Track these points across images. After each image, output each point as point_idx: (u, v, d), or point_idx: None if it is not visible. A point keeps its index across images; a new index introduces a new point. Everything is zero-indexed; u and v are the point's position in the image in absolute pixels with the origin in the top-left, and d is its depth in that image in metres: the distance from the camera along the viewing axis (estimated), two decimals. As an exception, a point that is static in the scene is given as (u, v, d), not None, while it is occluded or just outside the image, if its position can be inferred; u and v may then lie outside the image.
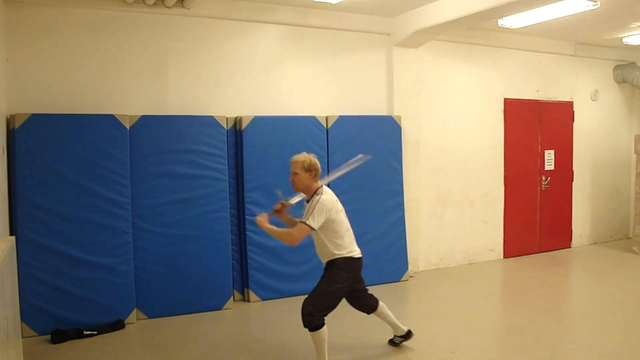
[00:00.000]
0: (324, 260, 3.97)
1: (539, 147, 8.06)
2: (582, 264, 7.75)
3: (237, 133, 5.77)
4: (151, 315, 5.21)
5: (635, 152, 7.96)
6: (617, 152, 8.93)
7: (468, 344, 4.50)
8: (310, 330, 3.80)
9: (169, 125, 5.35)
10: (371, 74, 6.71)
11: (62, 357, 4.34)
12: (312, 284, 3.98)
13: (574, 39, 8.00)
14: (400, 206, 6.52)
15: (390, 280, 6.42)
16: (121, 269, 5.02)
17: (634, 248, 7.95)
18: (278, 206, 4.00)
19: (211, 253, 5.43)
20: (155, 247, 5.22)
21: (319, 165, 3.93)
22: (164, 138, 5.29)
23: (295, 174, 3.88)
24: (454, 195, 7.31)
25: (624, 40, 7.81)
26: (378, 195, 6.36)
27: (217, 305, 5.46)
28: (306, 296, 3.89)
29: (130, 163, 5.10)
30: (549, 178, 8.13)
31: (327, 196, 3.85)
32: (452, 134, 7.26)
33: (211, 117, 5.52)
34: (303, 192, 3.95)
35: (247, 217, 5.62)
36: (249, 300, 5.73)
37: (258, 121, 5.73)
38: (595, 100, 8.63)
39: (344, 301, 4.07)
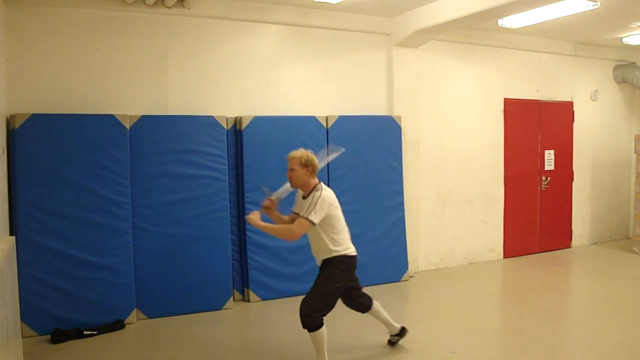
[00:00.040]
0: (321, 258, 3.94)
1: (539, 147, 8.06)
2: (582, 264, 7.75)
3: (237, 133, 5.77)
4: (151, 315, 5.22)
5: (635, 152, 7.96)
6: (617, 152, 8.93)
7: (468, 344, 4.50)
8: (310, 330, 3.79)
9: (169, 125, 5.35)
10: (371, 74, 6.71)
11: (62, 357, 4.34)
12: (312, 284, 3.98)
13: (574, 39, 8.00)
14: (400, 206, 6.52)
15: (390, 280, 6.42)
16: (121, 269, 5.02)
17: (634, 248, 7.95)
18: (267, 202, 3.97)
19: (211, 253, 5.43)
20: (155, 247, 5.22)
21: (316, 161, 3.91)
22: (164, 138, 5.30)
23: (292, 170, 3.87)
24: (454, 195, 7.31)
25: (624, 40, 7.81)
26: (378, 195, 6.36)
27: (217, 305, 5.46)
28: (303, 297, 3.87)
29: (130, 163, 5.10)
30: (549, 178, 8.13)
31: (327, 192, 3.87)
32: (452, 134, 7.26)
33: (211, 117, 5.52)
34: (300, 189, 3.94)
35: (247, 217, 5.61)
36: (249, 300, 5.73)
37: (258, 121, 5.73)
38: (595, 100, 8.63)
39: (340, 301, 4.06)
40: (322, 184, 3.93)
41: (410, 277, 6.64)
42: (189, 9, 5.58)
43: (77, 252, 4.86)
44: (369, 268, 6.26)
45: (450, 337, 4.66)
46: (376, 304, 4.27)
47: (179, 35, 5.65)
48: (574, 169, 8.45)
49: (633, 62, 8.75)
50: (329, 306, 3.88)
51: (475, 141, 7.45)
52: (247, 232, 5.67)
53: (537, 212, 8.06)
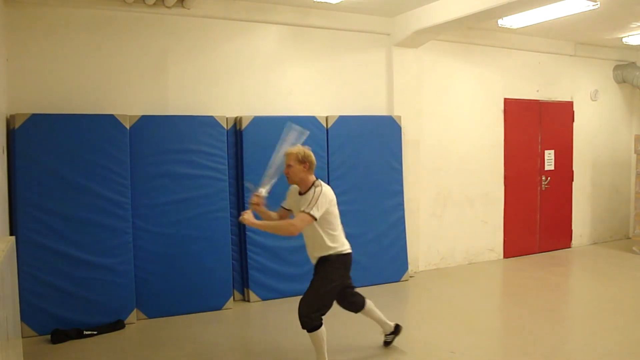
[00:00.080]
0: (317, 255, 3.90)
1: (539, 147, 8.06)
2: (582, 264, 7.75)
3: (237, 133, 5.77)
4: (151, 315, 5.22)
5: (635, 152, 7.96)
6: (617, 152, 8.93)
7: (468, 344, 4.50)
8: (309, 331, 3.79)
9: (169, 125, 5.35)
10: (371, 74, 6.71)
11: (62, 357, 4.34)
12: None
13: (574, 39, 8.00)
14: (400, 206, 6.52)
15: (390, 280, 6.42)
16: (121, 269, 5.02)
17: (634, 248, 7.94)
18: (254, 199, 3.91)
19: (211, 253, 5.43)
20: (156, 247, 5.22)
21: (313, 157, 3.89)
22: (164, 138, 5.29)
23: (289, 166, 3.85)
24: (454, 195, 7.31)
25: (624, 40, 7.81)
26: (378, 195, 6.36)
27: (217, 305, 5.46)
28: (301, 297, 3.85)
29: (130, 163, 5.10)
30: (549, 178, 8.13)
31: (327, 189, 3.86)
32: (452, 134, 7.26)
33: (211, 117, 5.52)
34: (298, 185, 3.91)
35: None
36: (249, 300, 5.73)
37: (258, 121, 5.73)
38: (595, 100, 8.63)
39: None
40: (320, 180, 3.91)
41: (410, 277, 6.64)
42: (189, 9, 5.58)
43: (77, 252, 4.86)
44: (369, 268, 6.27)
45: (450, 337, 4.66)
46: (369, 303, 4.23)
47: (179, 35, 5.65)
48: (574, 169, 8.45)
49: (633, 62, 8.75)
50: (327, 305, 3.88)
51: (475, 141, 7.45)
52: (247, 232, 5.67)
53: (537, 212, 8.06)
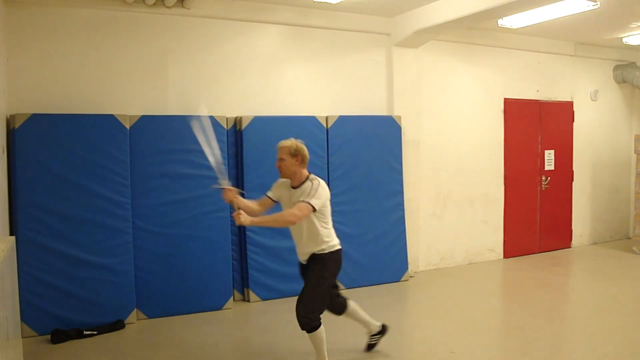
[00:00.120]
0: (310, 251, 3.82)
1: (539, 147, 8.06)
2: (582, 264, 7.75)
3: (237, 133, 5.77)
4: (151, 315, 5.22)
5: (635, 152, 7.96)
6: (617, 152, 8.93)
7: (468, 344, 4.50)
8: (308, 331, 3.77)
9: (169, 125, 5.35)
10: (371, 74, 6.71)
11: (62, 357, 4.34)
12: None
13: (574, 39, 8.00)
14: (400, 206, 6.52)
15: (390, 280, 6.42)
16: (121, 269, 5.02)
17: (634, 248, 7.94)
18: (228, 194, 3.80)
19: (211, 253, 5.43)
20: (156, 247, 5.22)
21: (306, 151, 3.85)
22: (164, 138, 5.29)
23: (281, 159, 3.81)
24: (454, 195, 7.31)
25: (624, 40, 7.81)
26: (378, 195, 6.36)
27: (217, 305, 5.47)
28: (297, 298, 3.80)
29: (130, 163, 5.10)
30: (549, 178, 8.13)
31: (324, 182, 3.82)
32: (452, 134, 7.26)
33: (211, 117, 5.51)
34: (290, 179, 3.85)
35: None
36: (249, 300, 5.73)
37: (258, 121, 5.73)
38: (595, 100, 8.63)
39: None
40: (314, 175, 3.87)
41: (410, 277, 6.64)
42: (189, 9, 5.58)
43: (77, 252, 4.86)
44: (369, 268, 6.28)
45: (450, 337, 4.66)
46: (352, 304, 4.15)
47: (179, 35, 5.65)
48: (574, 169, 8.45)
49: (633, 62, 8.75)
50: (324, 304, 3.87)
51: (475, 141, 7.45)
52: (247, 232, 5.67)
53: (537, 212, 8.06)
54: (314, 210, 3.68)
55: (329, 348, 3.88)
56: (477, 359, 4.22)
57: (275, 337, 4.72)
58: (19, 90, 4.97)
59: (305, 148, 3.86)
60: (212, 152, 3.90)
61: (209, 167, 5.32)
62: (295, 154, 3.80)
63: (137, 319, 5.13)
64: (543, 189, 8.10)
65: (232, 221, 5.59)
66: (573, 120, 8.40)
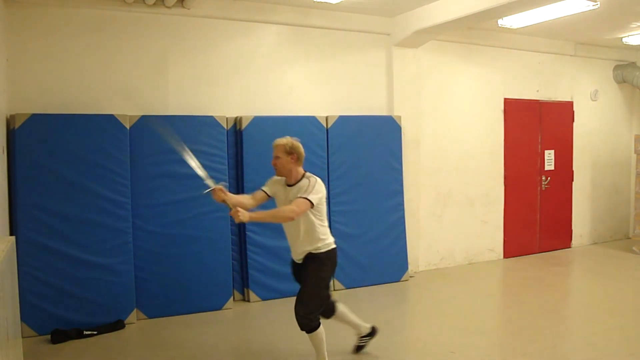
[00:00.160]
0: (306, 249, 3.79)
1: (539, 147, 8.06)
2: (582, 264, 7.75)
3: (237, 133, 5.77)
4: (151, 315, 5.22)
5: (635, 152, 7.96)
6: (617, 152, 8.93)
7: (468, 344, 4.50)
8: (308, 332, 3.76)
9: (169, 125, 5.32)
10: (371, 74, 6.71)
11: (62, 357, 4.34)
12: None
13: (574, 39, 8.00)
14: (400, 206, 6.52)
15: (390, 280, 6.42)
16: (121, 269, 5.02)
17: (634, 248, 7.94)
18: (219, 194, 3.72)
19: (211, 253, 5.43)
20: (155, 247, 5.22)
21: (301, 149, 3.83)
22: (164, 138, 5.28)
23: (277, 157, 3.79)
24: (454, 195, 7.31)
25: (624, 40, 7.81)
26: (378, 195, 6.36)
27: (217, 305, 5.46)
28: (296, 299, 3.79)
29: (130, 163, 5.09)
30: (549, 178, 8.13)
31: (321, 180, 3.81)
32: (452, 134, 7.26)
33: (211, 117, 5.52)
34: (286, 177, 3.83)
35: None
36: (249, 300, 5.73)
37: (258, 121, 5.73)
38: (595, 100, 8.63)
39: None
40: (310, 173, 3.85)
41: (410, 277, 6.64)
42: (189, 9, 5.58)
43: (77, 252, 4.86)
44: (369, 268, 6.28)
45: (450, 337, 4.66)
46: (341, 307, 4.10)
47: (179, 35, 5.65)
48: (574, 169, 8.45)
49: (633, 62, 8.75)
50: (323, 303, 3.86)
51: (475, 141, 7.45)
52: (247, 232, 5.67)
53: (537, 212, 8.06)
54: (312, 206, 3.66)
55: (328, 349, 3.88)
56: (477, 359, 4.22)
57: (275, 337, 4.72)
58: (19, 90, 4.96)
59: (300, 146, 3.84)
60: (189, 155, 3.89)
61: (209, 167, 5.39)
62: (291, 151, 3.78)
63: (137, 319, 5.13)
64: (543, 189, 8.09)
65: (232, 221, 5.61)
66: (573, 120, 8.40)
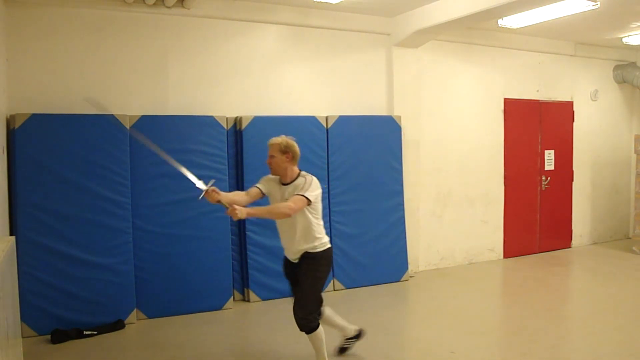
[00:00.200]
0: (302, 248, 3.76)
1: (539, 147, 8.06)
2: (582, 264, 7.75)
3: (237, 133, 5.77)
4: (151, 315, 5.22)
5: (635, 152, 7.96)
6: (617, 152, 8.93)
7: (468, 344, 4.50)
8: (308, 332, 3.76)
9: (169, 125, 5.35)
10: (371, 74, 6.71)
11: (62, 357, 4.34)
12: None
13: (574, 39, 8.00)
14: (400, 206, 6.52)
15: (390, 280, 6.42)
16: (121, 269, 5.02)
17: (634, 248, 7.94)
18: (212, 195, 3.69)
19: (211, 253, 5.43)
20: (155, 247, 5.22)
21: (296, 148, 3.81)
22: (164, 138, 5.27)
23: (272, 156, 3.78)
24: (454, 195, 7.31)
25: (624, 40, 7.81)
26: (378, 195, 6.36)
27: (217, 305, 5.46)
28: (294, 300, 3.78)
29: (130, 163, 5.10)
30: (549, 178, 8.13)
31: (316, 178, 3.80)
32: (452, 134, 7.26)
33: (211, 117, 5.52)
34: (281, 176, 3.82)
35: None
36: (249, 300, 5.73)
37: (258, 121, 5.73)
38: (595, 100, 8.63)
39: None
40: (305, 172, 3.84)
41: (410, 277, 6.64)
42: (189, 9, 5.58)
43: (77, 252, 4.86)
44: (369, 268, 6.28)
45: (450, 337, 4.66)
46: (328, 310, 4.05)
47: (179, 35, 5.65)
48: (574, 169, 8.45)
49: (633, 62, 8.75)
50: (321, 304, 3.87)
51: (475, 141, 7.45)
52: (247, 232, 5.67)
53: (537, 212, 8.06)
54: (309, 203, 3.66)
55: (328, 350, 3.88)
56: (477, 359, 4.22)
57: (275, 337, 4.72)
58: (19, 90, 4.96)
59: (296, 145, 3.82)
60: (175, 162, 3.89)
61: (209, 167, 5.41)
62: (286, 150, 3.77)
63: (137, 319, 5.13)
64: (543, 189, 8.09)
65: (232, 221, 5.63)
66: (573, 120, 8.40)
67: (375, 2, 5.98)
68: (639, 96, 9.08)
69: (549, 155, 8.13)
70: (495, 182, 7.67)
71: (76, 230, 4.87)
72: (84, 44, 5.24)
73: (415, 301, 6.12)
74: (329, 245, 3.87)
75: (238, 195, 3.90)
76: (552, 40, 7.90)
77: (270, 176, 3.92)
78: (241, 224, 5.72)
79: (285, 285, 5.74)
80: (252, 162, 5.67)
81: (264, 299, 5.74)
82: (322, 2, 5.84)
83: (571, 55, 8.25)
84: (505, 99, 7.70)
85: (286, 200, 3.69)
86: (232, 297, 5.57)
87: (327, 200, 6.05)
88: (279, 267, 5.72)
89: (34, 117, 4.77)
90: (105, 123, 5.02)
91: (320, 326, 3.78)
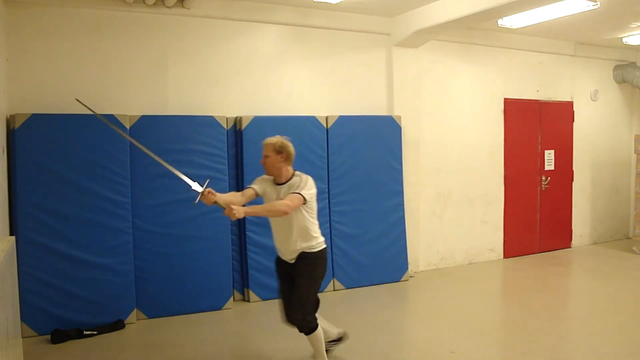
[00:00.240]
0: (298, 248, 3.74)
1: (539, 147, 8.06)
2: (582, 264, 7.75)
3: (237, 133, 5.77)
4: (151, 315, 5.22)
5: (635, 152, 7.96)
6: (617, 152, 8.93)
7: (468, 344, 4.50)
8: (307, 334, 3.74)
9: (169, 125, 5.35)
10: (371, 74, 6.71)
11: (62, 357, 4.34)
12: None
13: (574, 39, 8.00)
14: (400, 206, 6.52)
15: (390, 280, 6.42)
16: (121, 269, 5.02)
17: (634, 248, 7.94)
18: (209, 197, 3.63)
19: (211, 253, 5.43)
20: (155, 247, 5.22)
21: (291, 148, 3.80)
22: (164, 138, 5.29)
23: (266, 156, 3.78)
24: (454, 195, 7.31)
25: (624, 40, 7.81)
26: (378, 195, 6.36)
27: (217, 305, 5.46)
28: (292, 302, 3.76)
29: (130, 163, 5.10)
30: (549, 178, 8.13)
31: (311, 178, 3.79)
32: (452, 134, 7.26)
33: (211, 117, 5.52)
34: (275, 176, 3.81)
35: (247, 217, 5.61)
36: (249, 300, 5.73)
37: (258, 121, 5.73)
38: (595, 100, 8.63)
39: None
40: (299, 172, 3.83)
41: (410, 277, 6.64)
42: (189, 9, 5.58)
43: (77, 252, 4.86)
44: (369, 268, 6.28)
45: (450, 337, 4.66)
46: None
47: (179, 35, 5.65)
48: (574, 169, 8.45)
49: (633, 62, 8.75)
50: (318, 304, 3.86)
51: (475, 141, 7.45)
52: (247, 232, 5.67)
53: (537, 212, 8.06)
54: (305, 201, 3.65)
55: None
56: (477, 359, 4.22)
57: (275, 337, 4.72)
58: (19, 90, 4.96)
59: (291, 145, 3.81)
60: (169, 166, 3.87)
61: (209, 167, 5.41)
62: (280, 150, 3.76)
63: (137, 319, 5.13)
64: (543, 189, 8.09)
65: (232, 221, 5.63)
66: (573, 120, 8.40)
67: (375, 2, 5.98)
68: (639, 96, 9.08)
69: (549, 155, 8.13)
70: (495, 182, 7.66)
71: (76, 230, 4.87)
72: (84, 44, 5.24)
73: (415, 301, 6.12)
74: (324, 246, 3.86)
75: (234, 197, 3.88)
76: (552, 40, 7.90)
77: (265, 176, 3.91)
78: (241, 224, 5.72)
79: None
80: (252, 162, 5.66)
81: (264, 299, 5.74)
82: (322, 2, 5.84)
83: (571, 55, 8.25)
84: (505, 99, 7.70)
85: (282, 199, 3.68)
86: (232, 297, 5.57)
87: (327, 200, 6.06)
88: (279, 267, 5.78)
89: (34, 117, 4.77)
90: (105, 123, 5.00)
91: (319, 326, 3.78)
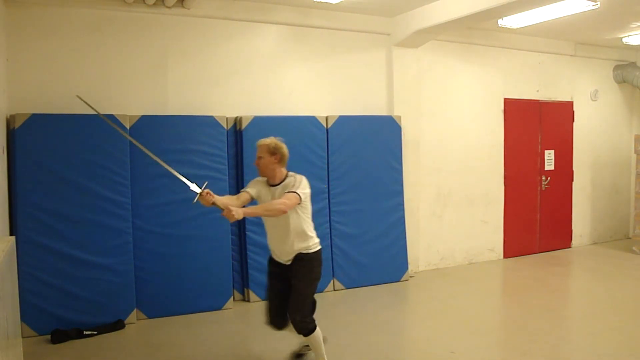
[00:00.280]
0: (295, 249, 3.72)
1: (539, 147, 8.06)
2: (582, 264, 7.75)
3: (237, 133, 5.77)
4: (151, 315, 5.22)
5: (635, 152, 7.96)
6: (617, 152, 8.93)
7: (468, 344, 4.50)
8: (306, 335, 3.73)
9: (169, 125, 5.35)
10: (371, 74, 6.71)
11: (62, 357, 4.34)
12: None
13: (574, 39, 8.00)
14: (400, 206, 6.52)
15: (390, 280, 6.42)
16: (121, 269, 5.02)
17: (634, 248, 7.94)
18: (207, 198, 3.62)
19: (211, 253, 5.43)
20: (155, 247, 5.22)
21: (285, 149, 3.79)
22: (164, 138, 5.29)
23: (260, 157, 3.77)
24: (454, 195, 7.31)
25: (624, 40, 7.81)
26: (378, 195, 6.36)
27: (217, 305, 5.47)
28: (289, 304, 3.73)
29: (130, 163, 5.10)
30: (549, 178, 8.13)
31: (305, 178, 3.78)
32: (452, 134, 7.26)
33: (211, 117, 5.52)
34: (268, 177, 3.80)
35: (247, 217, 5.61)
36: (249, 300, 5.73)
37: (258, 121, 5.73)
38: (595, 100, 8.63)
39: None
40: (293, 172, 3.83)
41: (410, 277, 6.64)
42: (189, 9, 5.58)
43: (77, 252, 4.86)
44: (369, 268, 6.28)
45: (450, 337, 4.66)
46: None
47: (179, 35, 5.65)
48: (574, 169, 8.45)
49: (633, 62, 8.75)
50: (315, 305, 3.86)
51: (475, 141, 7.45)
52: (247, 232, 5.67)
53: (537, 212, 8.06)
54: (300, 200, 3.65)
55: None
56: (477, 359, 4.22)
57: (275, 337, 4.70)
58: (19, 90, 4.96)
59: (284, 146, 3.80)
60: (168, 166, 3.86)
61: (209, 167, 5.41)
62: (274, 152, 3.75)
63: (137, 319, 5.13)
64: (543, 189, 8.09)
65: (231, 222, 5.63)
66: (573, 120, 8.40)
67: (375, 2, 5.98)
68: (639, 96, 9.08)
69: (549, 155, 8.13)
70: (495, 182, 7.67)
71: (76, 230, 4.87)
72: (84, 44, 5.25)
73: (415, 301, 6.12)
74: (320, 247, 3.86)
75: (230, 200, 3.86)
76: (552, 40, 7.90)
77: (259, 179, 3.90)
78: (241, 224, 5.72)
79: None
80: (252, 162, 5.65)
81: (264, 299, 5.73)
82: (322, 2, 5.84)
83: (571, 55, 8.25)
84: (505, 99, 7.70)
85: (288, 192, 3.67)
86: (232, 297, 5.57)
87: (327, 200, 6.06)
88: (279, 267, 5.78)
89: (34, 117, 4.77)
90: (105, 123, 5.00)
91: (318, 327, 3.77)
